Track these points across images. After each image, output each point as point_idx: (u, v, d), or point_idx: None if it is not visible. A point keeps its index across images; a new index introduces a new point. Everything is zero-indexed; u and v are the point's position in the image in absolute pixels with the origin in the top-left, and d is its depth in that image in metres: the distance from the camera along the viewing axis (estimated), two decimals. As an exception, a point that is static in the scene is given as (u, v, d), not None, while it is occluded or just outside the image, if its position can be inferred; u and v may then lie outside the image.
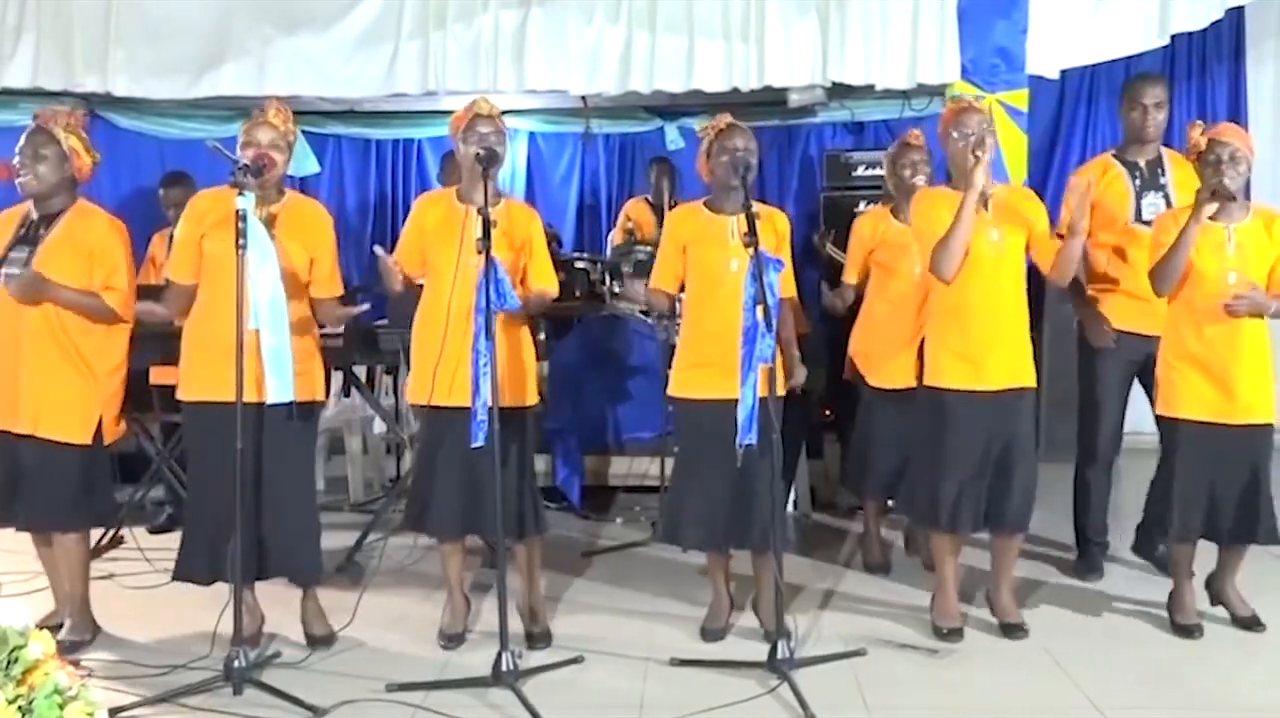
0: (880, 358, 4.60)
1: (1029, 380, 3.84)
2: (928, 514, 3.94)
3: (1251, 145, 3.82)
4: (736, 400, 3.56)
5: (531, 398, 3.95)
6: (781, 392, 3.83)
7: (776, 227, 3.91)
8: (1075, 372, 4.63)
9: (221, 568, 3.66)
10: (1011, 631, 3.93)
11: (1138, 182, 4.42)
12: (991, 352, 3.78)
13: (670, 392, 3.96)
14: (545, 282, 3.93)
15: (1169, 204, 4.31)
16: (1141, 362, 4.32)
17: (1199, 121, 3.96)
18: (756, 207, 3.90)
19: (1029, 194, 3.97)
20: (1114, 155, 4.54)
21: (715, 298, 3.76)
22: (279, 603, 4.00)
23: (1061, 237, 3.78)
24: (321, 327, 4.00)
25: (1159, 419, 3.99)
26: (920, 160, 4.65)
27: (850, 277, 4.82)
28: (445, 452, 3.77)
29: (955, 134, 3.80)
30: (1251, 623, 3.98)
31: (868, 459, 4.71)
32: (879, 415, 4.63)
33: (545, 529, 4.00)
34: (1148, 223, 4.22)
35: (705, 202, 3.97)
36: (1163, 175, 4.42)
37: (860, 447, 4.79)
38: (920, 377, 3.96)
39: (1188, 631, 3.94)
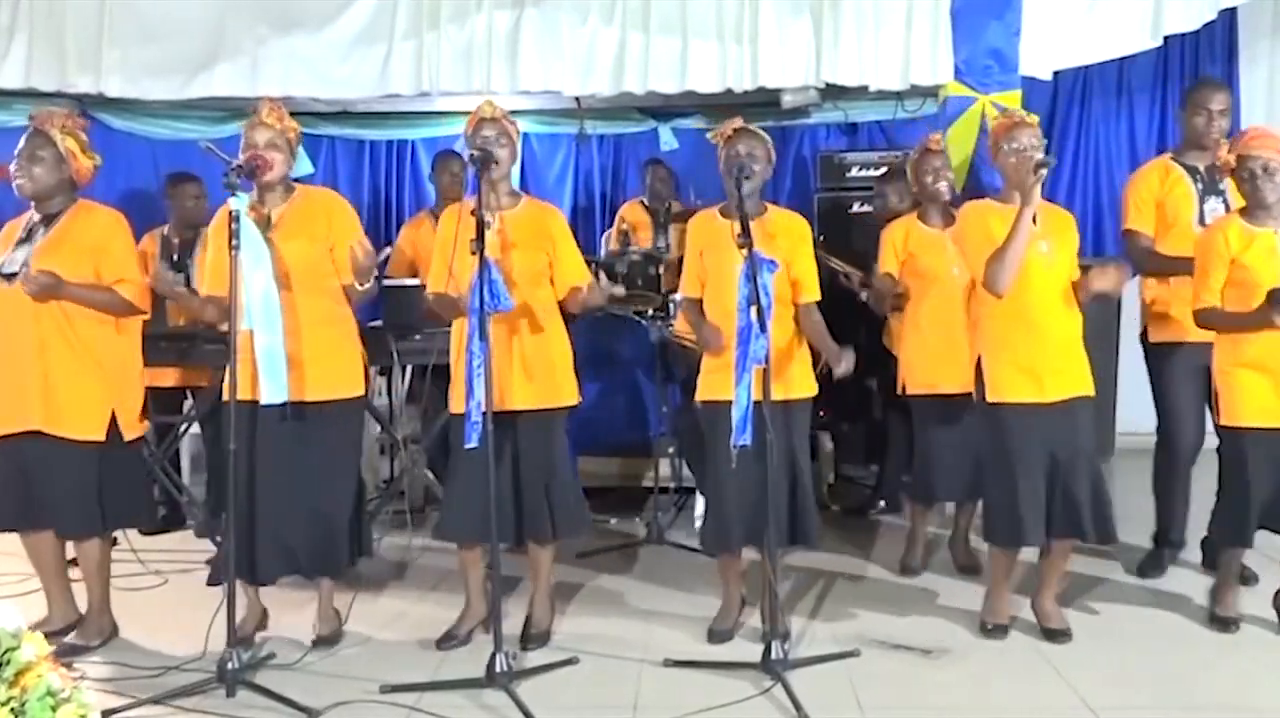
0: (929, 364, 4.58)
1: (1088, 389, 3.84)
2: (1008, 534, 3.87)
3: None
4: (758, 402, 3.57)
5: (569, 397, 3.92)
6: (805, 390, 3.88)
7: (794, 230, 3.92)
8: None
9: (250, 568, 3.69)
10: (1055, 636, 3.90)
11: (1200, 185, 4.39)
12: (1051, 362, 3.77)
13: (699, 396, 3.94)
14: (575, 277, 3.91)
15: (1228, 208, 4.27)
16: (1207, 369, 4.17)
17: (1223, 140, 3.98)
18: (772, 210, 3.92)
19: (1069, 221, 3.94)
20: (1173, 158, 4.52)
21: (724, 301, 3.75)
22: (275, 603, 4.00)
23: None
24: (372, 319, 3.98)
25: (1220, 429, 3.97)
26: (942, 166, 4.67)
27: (889, 267, 4.74)
28: (479, 458, 3.71)
29: (1007, 148, 3.78)
30: None
31: (931, 468, 4.66)
32: (936, 420, 4.59)
33: (577, 532, 4.01)
34: None
35: (720, 207, 3.99)
36: (1221, 180, 4.34)
37: (919, 455, 4.72)
38: (979, 393, 3.90)
39: (1225, 623, 3.97)
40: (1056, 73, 5.84)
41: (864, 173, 6.75)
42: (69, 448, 3.71)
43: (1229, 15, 6.44)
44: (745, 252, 3.48)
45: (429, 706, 3.38)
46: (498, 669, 3.42)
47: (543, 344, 3.83)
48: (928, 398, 4.62)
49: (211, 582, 3.82)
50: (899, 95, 6.69)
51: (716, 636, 3.96)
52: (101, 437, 3.76)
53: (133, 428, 3.87)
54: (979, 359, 3.90)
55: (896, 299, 4.74)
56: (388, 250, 5.86)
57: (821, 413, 5.74)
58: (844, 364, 3.78)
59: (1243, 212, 3.93)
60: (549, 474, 3.85)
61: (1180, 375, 4.40)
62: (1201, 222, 4.32)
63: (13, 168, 3.75)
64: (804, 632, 4.03)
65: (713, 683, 3.54)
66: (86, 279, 3.73)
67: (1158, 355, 4.50)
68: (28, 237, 3.78)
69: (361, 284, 3.73)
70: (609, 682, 3.61)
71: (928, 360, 4.61)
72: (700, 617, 4.08)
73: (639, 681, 3.60)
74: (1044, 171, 3.64)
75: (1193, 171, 4.43)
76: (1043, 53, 5.48)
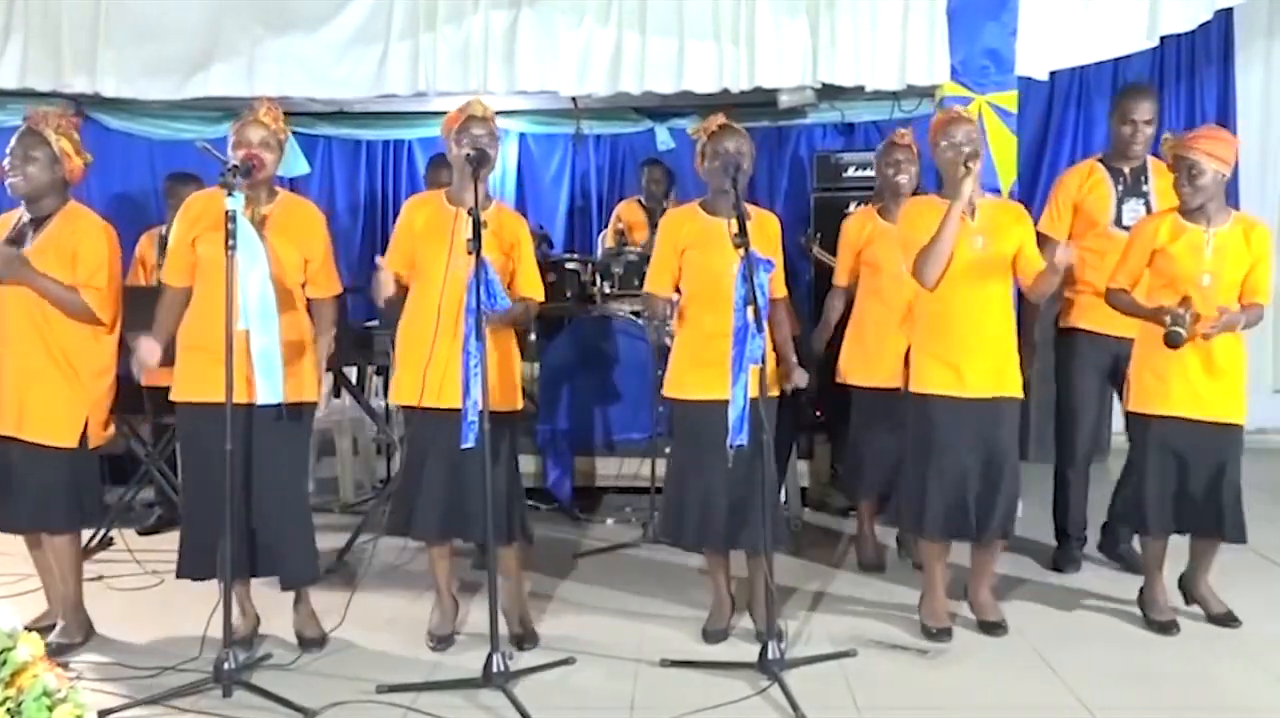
0: (872, 357, 4.61)
1: (1014, 390, 3.86)
2: (912, 521, 3.97)
3: (1224, 149, 3.82)
4: (754, 401, 3.57)
5: (518, 403, 3.95)
6: (775, 393, 3.84)
7: (767, 229, 3.92)
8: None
9: (214, 568, 3.65)
10: (992, 628, 3.96)
11: (1120, 187, 4.53)
12: (975, 359, 3.80)
13: (666, 392, 3.96)
14: (532, 289, 3.92)
15: (1149, 210, 4.42)
16: (1112, 363, 4.46)
17: (1169, 135, 3.99)
18: (747, 208, 3.91)
19: (1021, 212, 3.97)
20: (1100, 160, 4.66)
21: (714, 300, 3.75)
22: (270, 604, 4.00)
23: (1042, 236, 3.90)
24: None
25: (1128, 416, 4.04)
26: (904, 160, 4.68)
27: (841, 279, 4.85)
28: (433, 455, 3.76)
29: (944, 143, 3.82)
30: (1226, 619, 4.03)
31: (861, 459, 4.73)
32: (871, 415, 4.64)
33: (531, 539, 4.00)
34: (1127, 228, 4.32)
35: (701, 203, 3.97)
36: (1145, 183, 4.53)
37: (853, 447, 4.80)
38: (905, 383, 3.97)
39: (1164, 627, 3.98)
40: (1053, 73, 5.84)
41: (860, 173, 6.77)
42: (42, 452, 3.74)
43: (1225, 16, 6.47)
44: (742, 251, 3.48)
45: (426, 706, 3.37)
46: (494, 670, 3.41)
47: (500, 346, 3.81)
48: (861, 390, 4.67)
49: (181, 575, 3.79)
50: (895, 95, 6.69)
51: (711, 636, 3.97)
52: (74, 443, 3.79)
53: (99, 436, 3.89)
54: (908, 349, 3.97)
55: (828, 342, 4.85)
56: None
57: (816, 412, 5.75)
58: (794, 380, 3.88)
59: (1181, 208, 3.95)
60: (507, 477, 3.84)
61: (1083, 368, 4.59)
62: (1119, 222, 4.46)
63: (5, 166, 3.75)
64: (800, 632, 4.03)
65: (709, 683, 3.55)
66: (68, 282, 3.73)
67: (1062, 352, 4.69)
68: (16, 239, 3.77)
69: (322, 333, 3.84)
70: (606, 682, 3.61)
71: (865, 352, 4.67)
72: (697, 617, 4.08)
73: (635, 681, 3.60)
74: (973, 166, 3.67)
75: (1116, 174, 4.56)
76: (1039, 53, 5.48)
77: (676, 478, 3.96)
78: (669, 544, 4.12)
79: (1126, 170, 4.55)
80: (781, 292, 3.97)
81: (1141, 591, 4.12)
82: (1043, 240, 4.26)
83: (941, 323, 3.83)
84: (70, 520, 3.84)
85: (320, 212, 3.92)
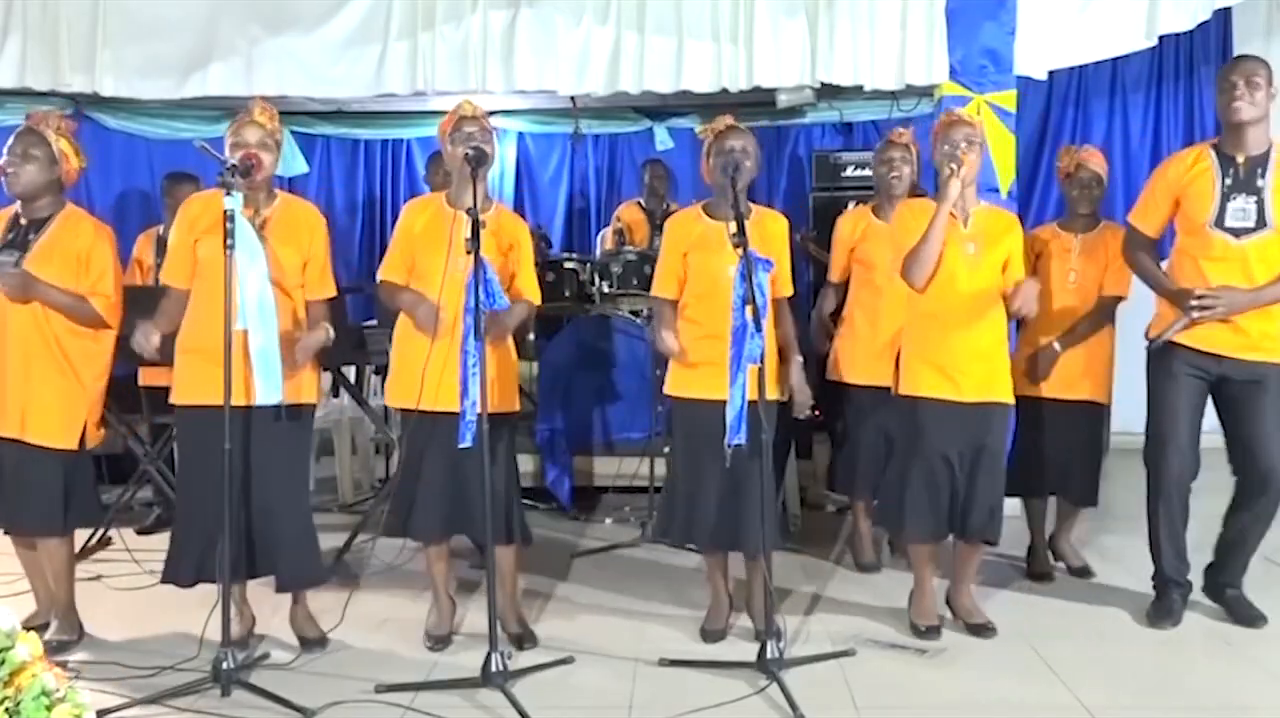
0: (867, 354, 4.62)
1: (1004, 396, 3.87)
2: (895, 522, 4.00)
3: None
4: (753, 402, 3.58)
5: (515, 404, 3.95)
6: (775, 395, 3.84)
7: (772, 228, 3.92)
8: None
9: (209, 570, 3.66)
10: (979, 631, 3.95)
11: (1227, 180, 3.86)
12: (966, 364, 3.80)
13: (667, 390, 3.96)
14: (530, 292, 3.93)
15: (1261, 209, 3.82)
16: (1213, 383, 3.94)
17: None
18: (757, 210, 3.92)
19: (1012, 221, 3.96)
20: (1213, 146, 3.98)
21: (714, 300, 3.74)
22: (269, 604, 4.00)
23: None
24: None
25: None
26: (899, 159, 4.68)
27: (834, 275, 4.88)
28: (431, 455, 3.76)
29: (944, 146, 3.82)
30: (1082, 572, 4.59)
31: (855, 458, 4.73)
32: (865, 414, 4.65)
33: (529, 540, 4.00)
34: (1233, 230, 3.83)
35: (704, 206, 3.98)
36: (1262, 176, 3.85)
37: (848, 446, 4.81)
38: (895, 385, 3.98)
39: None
40: (1051, 73, 5.85)
41: (859, 172, 6.79)
42: (41, 454, 3.75)
43: (1223, 15, 6.46)
44: (740, 251, 3.48)
45: (424, 706, 3.37)
46: (493, 669, 3.41)
47: (499, 350, 3.81)
48: (855, 387, 4.69)
49: (165, 579, 3.78)
50: (894, 95, 6.69)
51: (709, 635, 3.96)
52: (74, 446, 3.80)
53: (95, 437, 3.91)
54: (899, 352, 3.98)
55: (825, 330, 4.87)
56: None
57: (815, 412, 5.74)
58: (797, 410, 3.93)
59: None
60: (505, 478, 3.83)
61: (1178, 389, 3.97)
62: (1220, 223, 3.84)
63: (4, 164, 3.74)
64: (799, 631, 4.03)
65: (708, 683, 3.54)
66: (72, 288, 3.74)
67: (1156, 372, 4.04)
68: (14, 240, 3.77)
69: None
70: (604, 681, 3.61)
71: (855, 349, 4.69)
72: (696, 617, 4.08)
73: (634, 680, 3.60)
74: (957, 169, 3.68)
75: (1226, 163, 3.88)
76: (1038, 53, 5.49)
77: (674, 478, 3.97)
78: (663, 542, 4.12)
79: (1240, 160, 3.86)
80: (788, 290, 3.97)
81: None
82: (1132, 235, 4.10)
83: (933, 327, 3.83)
84: (63, 523, 3.83)
85: (320, 214, 3.92)
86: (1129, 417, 4.58)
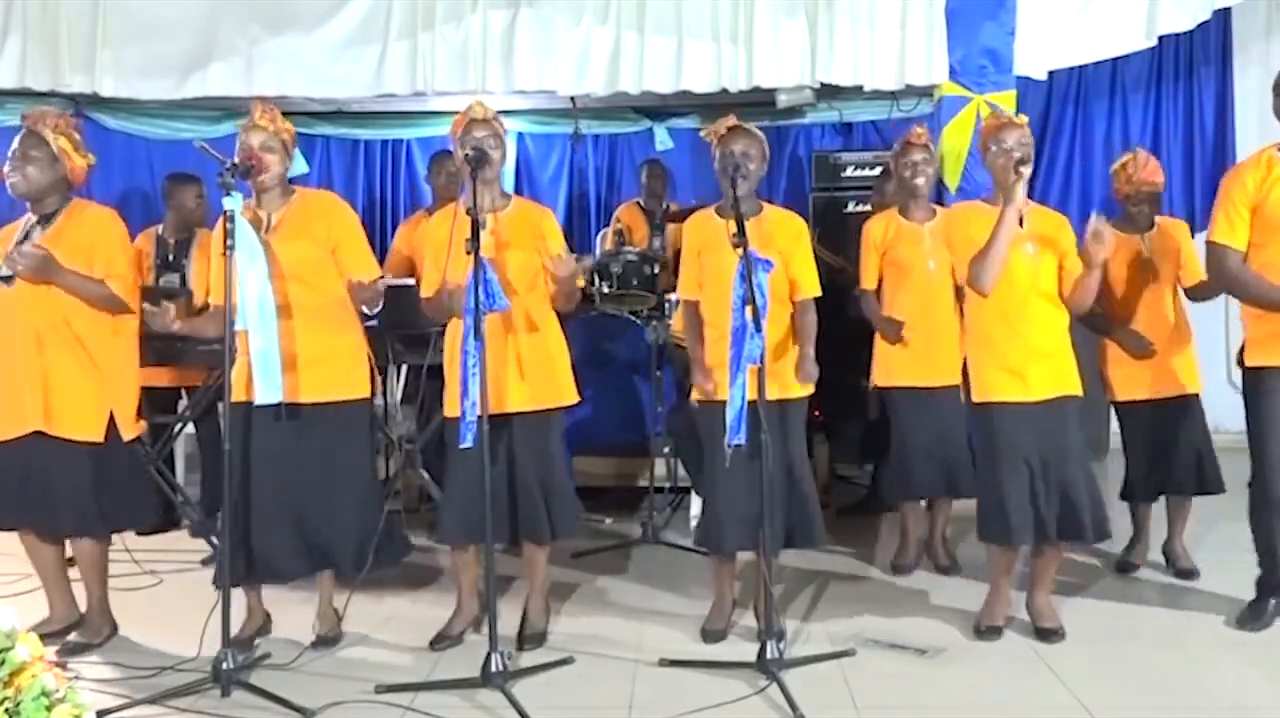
0: (914, 356, 4.60)
1: (1075, 388, 3.85)
2: (998, 532, 3.88)
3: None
4: (754, 402, 3.56)
5: (567, 396, 3.91)
6: (800, 392, 3.87)
7: (786, 227, 3.93)
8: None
9: (257, 568, 3.71)
10: (1048, 634, 3.89)
11: None
12: (1035, 362, 3.79)
13: (694, 397, 3.96)
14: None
15: None
16: None
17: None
18: (769, 209, 3.92)
19: (1062, 221, 3.94)
20: (1277, 148, 3.78)
21: (722, 302, 3.73)
22: (268, 604, 4.00)
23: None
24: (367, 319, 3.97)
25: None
26: (922, 161, 4.65)
27: (869, 282, 4.77)
28: (474, 460, 3.62)
29: (995, 148, 3.79)
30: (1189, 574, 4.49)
31: (908, 462, 4.67)
32: (916, 416, 4.62)
33: (572, 532, 4.00)
34: None
35: (717, 208, 3.99)
36: None
37: (898, 450, 4.73)
38: (965, 393, 3.94)
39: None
40: (1051, 73, 5.86)
41: (859, 172, 6.78)
42: (69, 448, 3.72)
43: (1223, 15, 6.47)
44: (740, 251, 3.48)
45: (424, 706, 3.37)
46: (493, 669, 3.41)
47: (539, 344, 3.83)
48: (900, 390, 4.65)
49: (217, 582, 3.80)
50: (894, 95, 6.69)
51: (709, 636, 3.96)
52: (100, 438, 3.77)
53: (130, 428, 3.86)
54: (965, 359, 3.94)
55: (896, 328, 4.67)
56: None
57: (815, 412, 5.75)
58: (803, 375, 3.86)
59: None
60: (545, 474, 3.84)
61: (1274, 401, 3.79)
62: None
63: (6, 168, 3.75)
64: (799, 631, 4.03)
65: (708, 683, 3.54)
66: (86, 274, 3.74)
67: (1253, 385, 3.86)
68: (25, 238, 3.77)
69: (368, 308, 3.82)
70: (604, 682, 3.61)
71: (901, 353, 4.64)
72: (696, 616, 4.08)
73: (634, 680, 3.60)
74: (1024, 171, 3.66)
75: None
76: (1037, 53, 5.50)
77: (713, 483, 3.92)
78: (713, 551, 4.02)
79: None
80: (813, 290, 3.94)
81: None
82: (1225, 253, 3.78)
83: (1001, 330, 3.80)
84: (94, 522, 3.79)
85: (341, 201, 3.93)
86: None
